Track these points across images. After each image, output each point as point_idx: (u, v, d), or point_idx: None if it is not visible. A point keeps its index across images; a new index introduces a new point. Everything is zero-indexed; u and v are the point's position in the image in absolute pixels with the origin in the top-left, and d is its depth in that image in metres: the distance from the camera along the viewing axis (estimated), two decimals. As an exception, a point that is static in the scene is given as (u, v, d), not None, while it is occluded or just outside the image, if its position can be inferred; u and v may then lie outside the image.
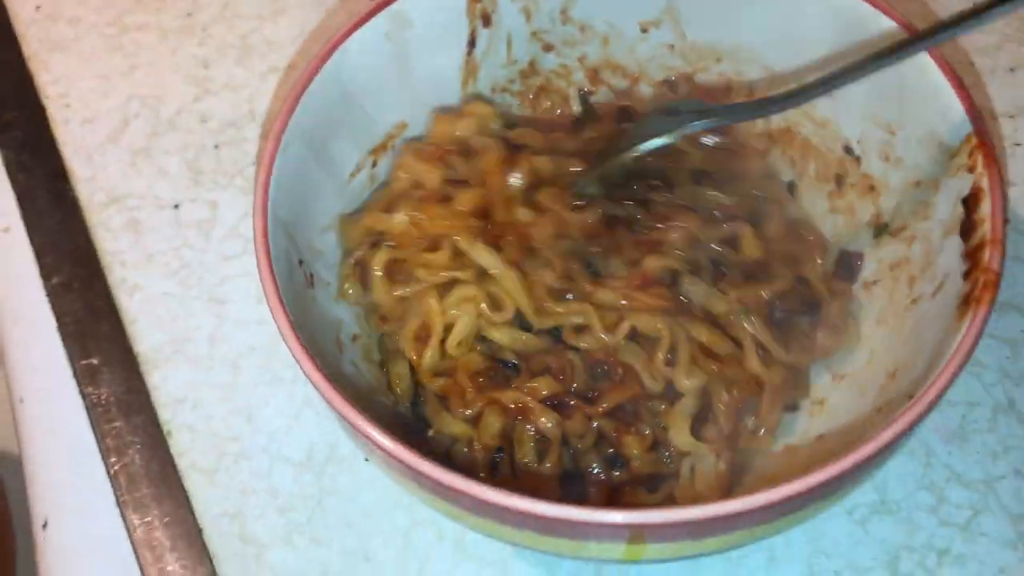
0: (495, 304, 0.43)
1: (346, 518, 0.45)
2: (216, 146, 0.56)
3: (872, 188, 0.46)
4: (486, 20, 0.44)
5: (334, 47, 0.42)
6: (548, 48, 0.48)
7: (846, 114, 0.46)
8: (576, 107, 0.51)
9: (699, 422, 0.42)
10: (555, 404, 0.42)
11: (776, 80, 0.48)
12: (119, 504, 0.46)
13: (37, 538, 0.47)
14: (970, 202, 0.39)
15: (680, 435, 0.42)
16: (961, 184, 0.40)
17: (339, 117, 0.44)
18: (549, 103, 0.50)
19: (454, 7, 0.45)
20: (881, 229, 0.46)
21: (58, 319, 0.51)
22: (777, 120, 0.49)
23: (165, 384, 0.49)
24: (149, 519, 0.46)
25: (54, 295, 0.52)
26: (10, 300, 0.53)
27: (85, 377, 0.50)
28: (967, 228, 0.39)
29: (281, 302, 0.37)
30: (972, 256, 0.38)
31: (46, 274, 0.53)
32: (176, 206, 0.54)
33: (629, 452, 0.42)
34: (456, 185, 0.45)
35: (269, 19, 0.61)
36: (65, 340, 0.51)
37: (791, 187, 0.49)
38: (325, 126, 0.43)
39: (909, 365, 0.39)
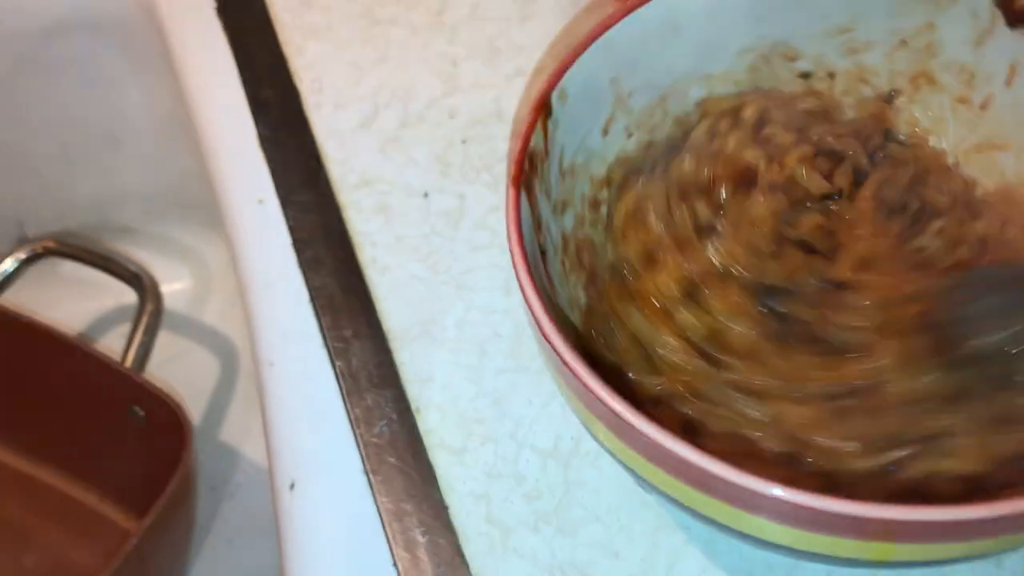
0: None
1: (594, 511, 0.46)
2: (463, 141, 0.58)
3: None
4: (539, 226, 0.44)
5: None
6: (563, 208, 0.47)
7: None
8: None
9: None
10: None
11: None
12: (366, 473, 0.48)
13: (282, 499, 0.49)
14: None
15: None
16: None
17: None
18: (587, 256, 0.48)
19: (530, 241, 0.43)
20: (890, 97, 0.49)
21: (310, 290, 0.53)
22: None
23: (413, 362, 0.51)
24: (396, 491, 0.47)
25: (307, 267, 0.54)
26: (262, 268, 0.55)
27: (337, 348, 0.51)
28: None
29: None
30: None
31: (299, 247, 0.55)
32: (425, 195, 0.56)
33: None
34: None
35: (516, 23, 0.63)
36: (317, 311, 0.53)
37: None
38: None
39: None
